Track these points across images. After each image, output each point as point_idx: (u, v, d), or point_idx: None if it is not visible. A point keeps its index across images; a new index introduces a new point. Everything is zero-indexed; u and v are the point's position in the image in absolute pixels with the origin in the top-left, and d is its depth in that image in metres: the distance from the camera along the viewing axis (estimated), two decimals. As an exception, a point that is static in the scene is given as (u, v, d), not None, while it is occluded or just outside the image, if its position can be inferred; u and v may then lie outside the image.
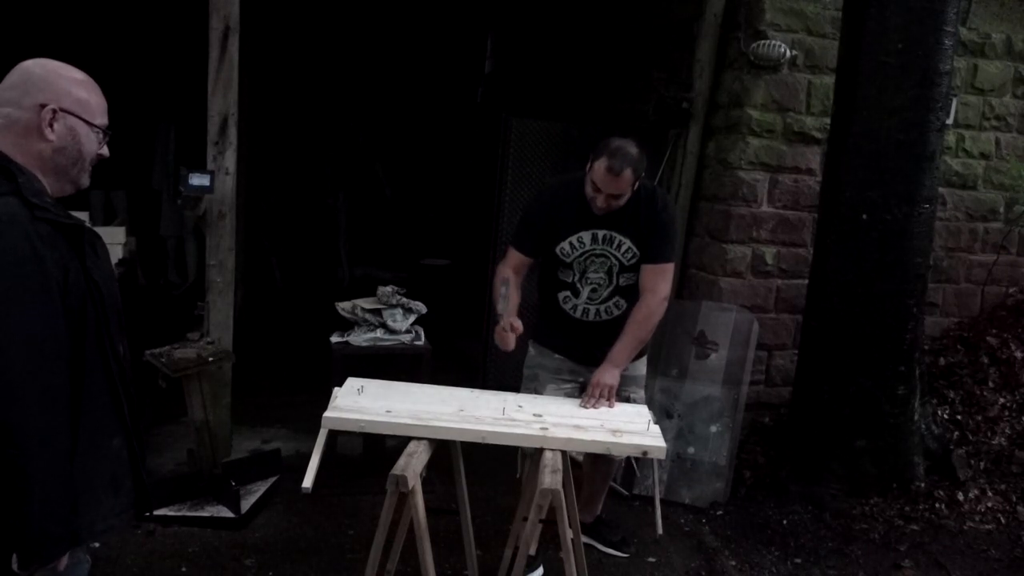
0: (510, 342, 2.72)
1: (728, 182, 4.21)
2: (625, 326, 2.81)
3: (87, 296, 1.50)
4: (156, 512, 3.32)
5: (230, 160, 3.62)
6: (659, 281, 2.81)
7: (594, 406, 2.71)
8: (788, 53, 4.08)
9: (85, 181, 1.62)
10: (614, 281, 2.86)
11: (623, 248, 2.81)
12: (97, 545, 2.92)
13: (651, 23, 5.09)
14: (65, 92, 1.54)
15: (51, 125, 1.51)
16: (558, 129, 5.18)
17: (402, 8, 7.69)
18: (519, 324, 2.73)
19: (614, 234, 2.80)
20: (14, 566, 1.41)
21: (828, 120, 3.98)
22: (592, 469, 3.17)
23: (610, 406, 2.73)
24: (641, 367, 3.06)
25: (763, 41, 4.05)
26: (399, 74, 8.49)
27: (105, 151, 1.63)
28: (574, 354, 2.94)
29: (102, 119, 1.60)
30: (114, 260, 3.79)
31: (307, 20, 7.44)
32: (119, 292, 1.68)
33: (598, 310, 2.88)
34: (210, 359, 3.49)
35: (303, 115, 7.72)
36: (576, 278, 2.85)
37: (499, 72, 8.50)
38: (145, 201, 6.85)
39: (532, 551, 3.11)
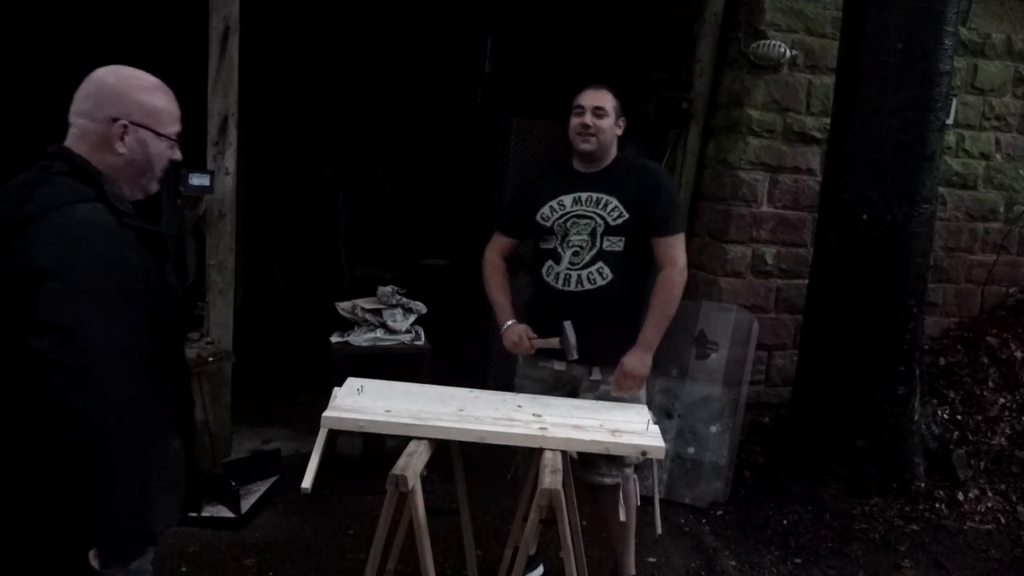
0: (522, 348, 2.78)
1: (728, 182, 4.22)
2: (651, 304, 2.74)
3: (163, 301, 1.54)
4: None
5: (230, 160, 3.62)
6: (675, 252, 2.74)
7: (624, 392, 2.73)
8: (788, 53, 4.08)
9: (154, 188, 1.66)
10: (597, 244, 2.73)
11: (610, 207, 2.72)
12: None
13: (651, 23, 5.09)
14: (136, 104, 1.55)
15: (122, 139, 1.54)
16: (558, 129, 5.16)
17: (402, 8, 7.68)
18: (521, 331, 2.77)
19: (600, 195, 2.75)
20: (94, 563, 1.42)
21: (828, 120, 3.98)
22: (600, 510, 2.95)
23: (636, 390, 2.74)
24: None
25: (763, 41, 4.05)
26: (399, 74, 8.48)
27: (177, 155, 1.65)
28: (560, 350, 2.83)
29: (172, 127, 1.62)
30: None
31: (307, 20, 7.43)
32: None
33: (579, 276, 2.75)
34: (210, 359, 3.49)
35: (303, 115, 7.72)
36: (557, 242, 2.78)
37: (499, 72, 8.49)
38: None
39: (532, 551, 3.11)
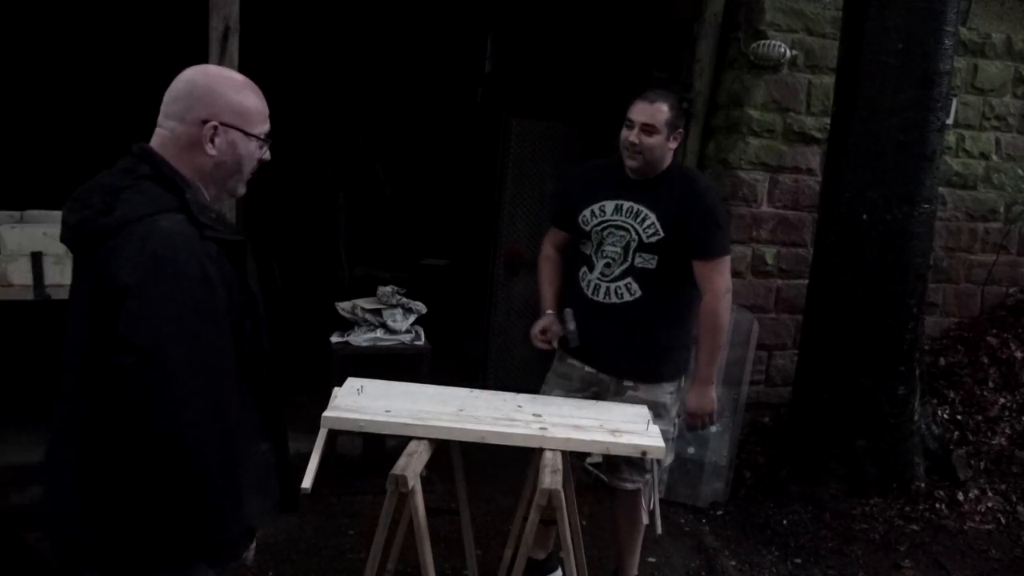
0: (537, 340, 2.80)
1: (728, 182, 4.21)
2: (698, 339, 2.72)
3: (245, 310, 1.53)
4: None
5: (230, 160, 3.62)
6: (713, 277, 2.64)
7: (700, 428, 2.79)
8: (788, 53, 4.08)
9: (241, 190, 1.64)
10: (629, 259, 2.66)
11: (646, 223, 2.64)
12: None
13: (651, 23, 5.09)
14: (226, 105, 1.54)
15: (212, 140, 1.53)
16: (558, 129, 5.18)
17: (402, 8, 7.69)
18: (546, 324, 2.80)
19: (640, 207, 2.66)
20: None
21: (828, 120, 3.98)
22: (616, 512, 2.91)
23: (711, 423, 2.78)
24: (661, 393, 2.78)
25: (763, 41, 4.05)
26: (399, 74, 8.48)
27: (267, 155, 1.64)
28: (586, 352, 2.81)
29: (262, 127, 1.60)
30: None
31: (307, 20, 7.44)
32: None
33: (608, 288, 2.71)
34: (210, 359, 3.49)
35: (303, 115, 7.72)
36: (592, 249, 2.73)
37: (499, 72, 8.48)
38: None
39: (543, 555, 3.10)
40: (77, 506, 1.46)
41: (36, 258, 3.46)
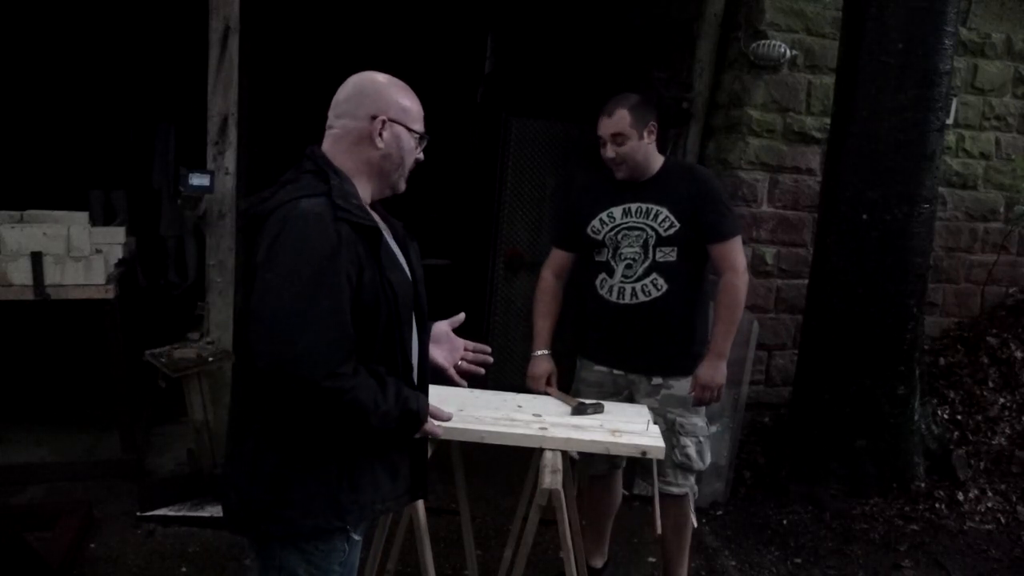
0: (537, 386, 2.80)
1: (728, 182, 4.21)
2: (716, 312, 2.72)
3: (380, 294, 1.59)
4: (156, 512, 3.33)
5: (230, 160, 3.62)
6: (733, 256, 2.69)
7: (707, 403, 2.75)
8: (788, 53, 4.08)
9: (402, 186, 1.76)
10: (650, 255, 2.69)
11: (660, 217, 2.67)
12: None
13: (651, 23, 5.09)
14: (393, 102, 1.70)
15: (381, 134, 1.67)
16: (558, 129, 5.18)
17: (402, 8, 7.68)
18: (546, 372, 2.81)
19: (650, 205, 2.69)
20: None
21: (828, 120, 3.98)
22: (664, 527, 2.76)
23: (717, 400, 2.74)
24: (687, 386, 2.75)
25: (763, 41, 4.05)
26: (399, 74, 8.46)
27: (421, 155, 1.77)
28: (614, 357, 2.81)
29: (420, 125, 1.75)
30: (114, 260, 3.79)
31: (307, 20, 7.43)
32: (425, 292, 1.83)
33: (634, 289, 2.72)
34: (210, 359, 3.49)
35: (303, 115, 7.71)
36: (609, 255, 2.74)
37: (499, 72, 8.48)
38: (145, 201, 6.84)
39: (600, 563, 3.10)
40: (247, 468, 1.62)
41: (36, 258, 3.46)
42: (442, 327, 2.02)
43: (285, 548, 1.63)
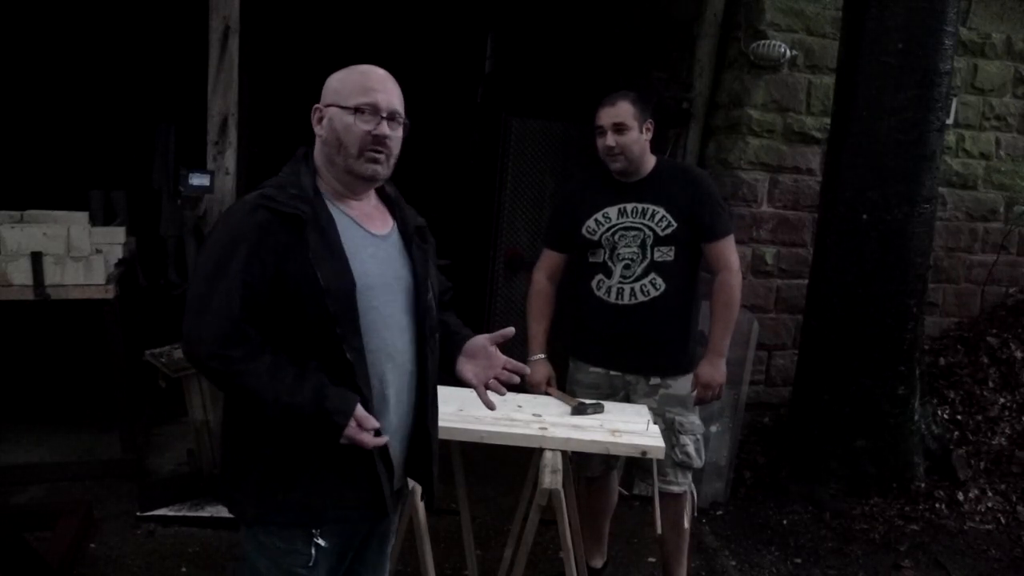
0: (538, 390, 2.77)
1: (728, 182, 4.21)
2: (713, 311, 2.74)
3: (303, 287, 1.53)
4: (156, 512, 3.32)
5: (230, 160, 3.62)
6: (727, 255, 2.73)
7: (707, 402, 2.76)
8: (788, 53, 4.08)
9: (363, 168, 1.64)
10: (648, 255, 2.69)
11: (657, 217, 2.67)
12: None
13: (651, 23, 5.09)
14: (328, 89, 1.68)
15: (320, 122, 1.67)
16: (558, 129, 5.19)
17: (402, 8, 7.68)
18: (546, 377, 2.79)
19: (646, 205, 2.69)
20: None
21: (828, 120, 3.98)
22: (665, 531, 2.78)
23: (718, 399, 2.75)
24: (687, 385, 2.77)
25: (763, 41, 4.05)
26: (399, 74, 8.45)
27: (382, 129, 1.64)
28: (611, 358, 2.80)
29: (359, 98, 1.63)
30: (114, 260, 3.79)
31: (307, 20, 7.43)
32: (431, 293, 1.81)
33: (632, 289, 2.71)
34: (210, 359, 3.49)
35: (303, 115, 7.71)
36: (606, 256, 2.73)
37: (499, 72, 8.49)
38: (145, 201, 6.84)
39: (599, 563, 3.10)
40: (221, 450, 1.73)
41: (36, 258, 3.46)
42: (479, 341, 1.84)
43: (247, 536, 1.67)
